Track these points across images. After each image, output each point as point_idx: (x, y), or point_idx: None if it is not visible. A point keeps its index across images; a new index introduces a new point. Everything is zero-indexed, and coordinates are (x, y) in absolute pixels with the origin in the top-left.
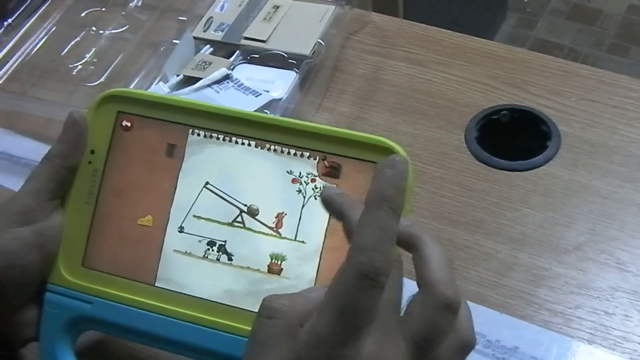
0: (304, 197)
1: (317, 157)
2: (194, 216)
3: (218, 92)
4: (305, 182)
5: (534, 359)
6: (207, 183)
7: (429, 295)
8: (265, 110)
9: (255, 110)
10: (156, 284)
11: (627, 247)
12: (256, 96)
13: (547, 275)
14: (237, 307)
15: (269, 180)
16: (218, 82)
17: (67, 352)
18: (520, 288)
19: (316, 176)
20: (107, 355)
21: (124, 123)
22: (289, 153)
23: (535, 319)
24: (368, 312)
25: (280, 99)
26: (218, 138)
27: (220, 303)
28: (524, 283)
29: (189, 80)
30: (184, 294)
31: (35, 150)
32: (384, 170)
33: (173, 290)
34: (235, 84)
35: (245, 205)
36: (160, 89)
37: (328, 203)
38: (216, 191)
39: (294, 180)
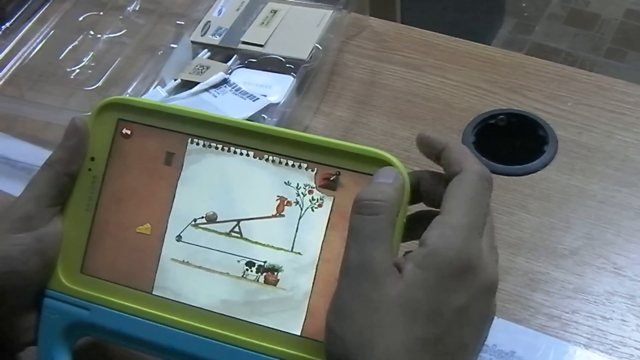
0: (301, 209)
1: (315, 169)
2: (192, 225)
3: (215, 97)
4: (302, 193)
5: None
6: (194, 220)
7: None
8: (262, 115)
9: (252, 115)
10: (154, 292)
11: (624, 251)
12: (253, 100)
13: (544, 279)
14: (233, 317)
15: (267, 191)
16: (215, 86)
17: (64, 357)
18: (517, 292)
19: (313, 188)
20: None
21: (124, 131)
22: (287, 164)
23: (532, 324)
24: (486, 208)
25: (277, 104)
26: (217, 148)
27: (217, 313)
28: (520, 287)
29: (187, 85)
30: (181, 302)
31: (32, 154)
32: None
33: (170, 299)
34: (232, 88)
35: (236, 220)
36: (157, 93)
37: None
38: (205, 226)
39: None
